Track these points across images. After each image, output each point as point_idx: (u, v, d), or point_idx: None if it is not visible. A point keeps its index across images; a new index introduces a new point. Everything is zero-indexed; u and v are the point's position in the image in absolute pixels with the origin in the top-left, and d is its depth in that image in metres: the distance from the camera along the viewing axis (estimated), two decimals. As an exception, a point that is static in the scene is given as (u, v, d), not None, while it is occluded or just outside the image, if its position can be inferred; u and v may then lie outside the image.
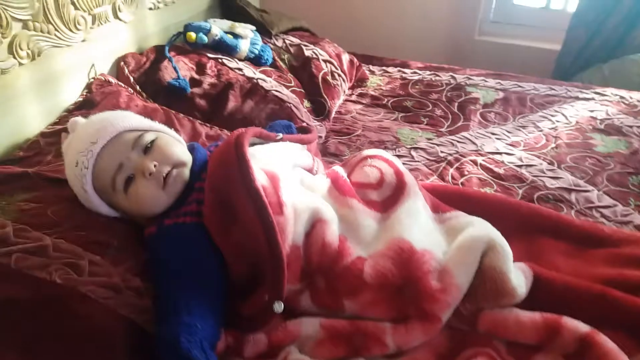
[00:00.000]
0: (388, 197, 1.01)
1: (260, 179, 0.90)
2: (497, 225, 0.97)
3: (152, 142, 0.97)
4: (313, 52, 1.73)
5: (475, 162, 1.38)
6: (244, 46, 1.62)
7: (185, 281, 0.87)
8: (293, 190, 0.94)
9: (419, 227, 0.96)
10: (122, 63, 1.47)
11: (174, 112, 1.37)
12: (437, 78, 1.86)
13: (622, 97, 1.73)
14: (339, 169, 1.07)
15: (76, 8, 1.29)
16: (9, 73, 1.15)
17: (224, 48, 1.60)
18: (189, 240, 0.92)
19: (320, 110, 1.61)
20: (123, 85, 1.42)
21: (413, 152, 1.44)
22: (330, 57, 1.76)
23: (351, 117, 1.65)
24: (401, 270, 0.87)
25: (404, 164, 1.35)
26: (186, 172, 0.98)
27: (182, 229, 0.93)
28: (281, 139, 1.06)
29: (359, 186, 1.03)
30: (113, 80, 1.42)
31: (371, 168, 1.05)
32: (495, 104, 1.70)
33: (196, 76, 1.51)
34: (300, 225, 0.90)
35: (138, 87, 1.45)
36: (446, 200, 1.09)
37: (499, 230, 0.96)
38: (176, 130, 1.28)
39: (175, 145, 1.00)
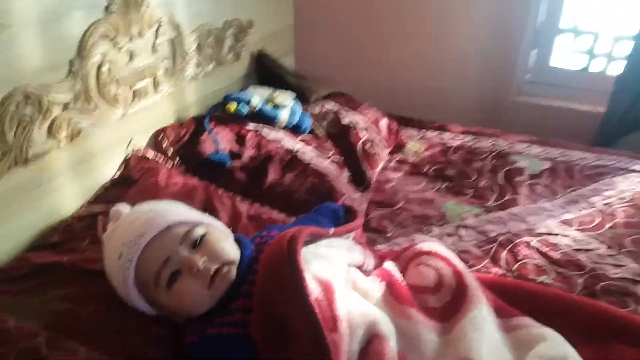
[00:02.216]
0: (448, 303, 0.90)
1: (315, 291, 0.80)
2: (562, 328, 0.87)
3: (202, 237, 0.89)
4: (351, 120, 1.65)
5: (529, 245, 1.26)
6: (283, 116, 1.55)
7: None
8: (347, 300, 0.84)
9: (486, 342, 0.84)
10: (161, 136, 1.40)
11: (213, 187, 1.29)
12: (479, 144, 1.75)
13: (676, 169, 1.60)
14: (391, 267, 0.97)
15: (118, 86, 1.23)
16: (47, 156, 1.09)
17: (263, 118, 1.53)
18: (235, 355, 0.83)
19: (360, 181, 1.51)
20: (161, 160, 1.35)
21: (461, 231, 1.32)
22: (369, 124, 1.67)
23: (391, 186, 1.55)
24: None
25: (451, 245, 1.27)
26: (234, 271, 0.89)
27: (227, 341, 0.84)
28: (332, 234, 0.97)
29: (415, 290, 0.92)
30: (151, 155, 1.35)
31: (427, 268, 0.94)
32: (542, 175, 1.58)
33: (235, 148, 1.43)
34: (355, 342, 0.79)
35: (177, 161, 1.38)
36: (506, 297, 0.97)
37: (564, 334, 0.85)
38: (216, 210, 1.20)
39: (225, 241, 0.92)
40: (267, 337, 0.81)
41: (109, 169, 1.27)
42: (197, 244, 0.88)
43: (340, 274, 0.89)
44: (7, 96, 0.97)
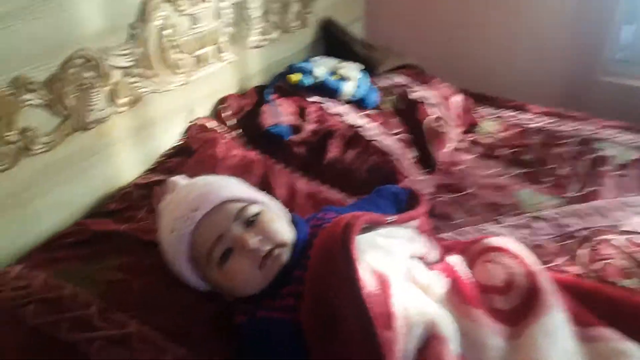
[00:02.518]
0: (518, 306, 0.81)
1: (369, 284, 0.74)
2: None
3: (256, 215, 0.85)
4: (420, 95, 1.55)
5: (613, 243, 1.14)
6: (347, 89, 1.47)
7: None
8: (405, 295, 0.77)
9: (559, 351, 0.75)
10: (222, 106, 1.36)
11: (272, 162, 1.24)
12: (561, 128, 1.60)
13: None
14: (457, 262, 0.88)
15: (179, 51, 1.19)
16: (106, 122, 1.07)
17: (327, 90, 1.46)
18: (284, 340, 0.79)
19: (426, 162, 1.42)
20: (222, 129, 1.32)
21: (535, 224, 1.21)
22: (439, 100, 1.56)
23: (460, 170, 1.45)
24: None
25: (524, 238, 1.16)
26: (286, 254, 0.85)
27: (276, 326, 0.80)
28: (393, 222, 0.90)
29: (482, 289, 0.84)
30: (212, 125, 1.31)
31: (496, 267, 0.85)
32: (631, 166, 1.42)
33: (297, 122, 1.37)
34: (411, 342, 0.73)
35: (237, 132, 1.34)
36: (584, 301, 0.87)
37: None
38: (273, 186, 1.16)
39: (280, 222, 0.88)
40: (316, 327, 0.76)
41: (168, 137, 1.25)
42: (251, 223, 0.85)
43: (398, 266, 0.82)
44: (68, 59, 0.95)
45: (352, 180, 1.28)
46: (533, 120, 1.66)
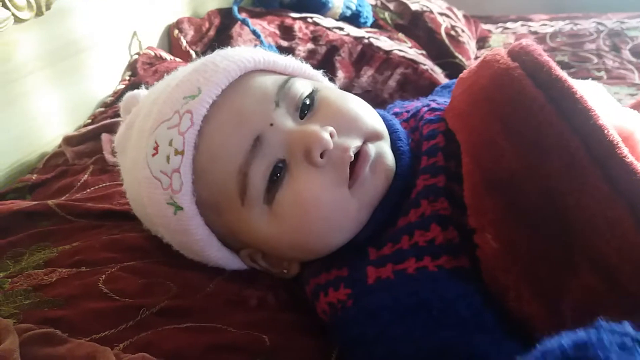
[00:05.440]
0: None
1: None
2: None
3: (313, 95, 0.42)
4: (422, 5, 1.18)
5: None
6: (337, 2, 1.07)
7: None
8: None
9: None
10: (177, 32, 0.91)
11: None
12: (580, 27, 1.30)
13: None
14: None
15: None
16: (1, 33, 0.60)
17: (309, 5, 1.04)
18: (453, 315, 0.36)
19: (456, 76, 1.04)
20: (181, 61, 0.87)
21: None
22: (444, 9, 1.21)
23: (493, 82, 1.10)
24: None
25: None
26: (388, 150, 0.43)
27: (423, 290, 0.37)
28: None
29: None
30: (167, 56, 0.86)
31: None
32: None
33: (283, 43, 0.95)
34: None
35: (204, 64, 0.90)
36: None
37: None
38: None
39: (354, 101, 0.45)
40: (534, 276, 0.35)
41: (105, 77, 0.79)
42: (307, 109, 0.41)
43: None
44: None
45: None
46: (544, 26, 1.35)
